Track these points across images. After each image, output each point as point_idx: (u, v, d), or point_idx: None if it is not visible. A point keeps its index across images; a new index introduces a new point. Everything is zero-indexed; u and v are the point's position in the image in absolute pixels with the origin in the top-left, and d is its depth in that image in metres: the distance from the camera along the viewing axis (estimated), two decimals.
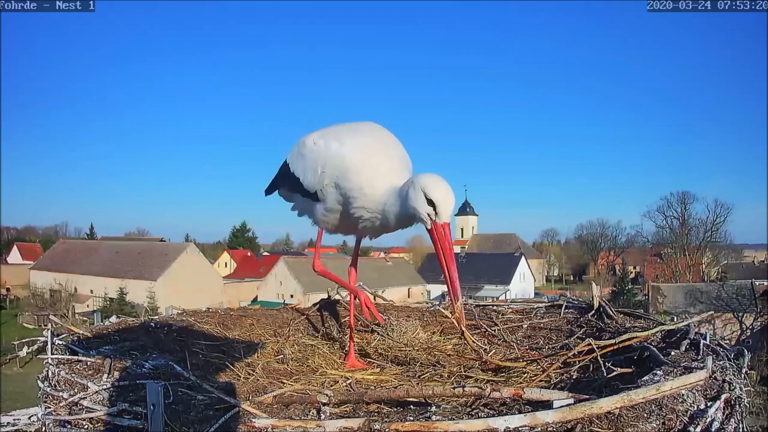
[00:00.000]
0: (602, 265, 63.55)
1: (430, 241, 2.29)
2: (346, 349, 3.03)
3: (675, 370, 1.98)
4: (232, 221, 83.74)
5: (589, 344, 2.47)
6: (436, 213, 2.23)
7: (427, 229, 2.27)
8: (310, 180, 2.66)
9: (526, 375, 2.47)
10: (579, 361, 2.45)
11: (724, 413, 1.76)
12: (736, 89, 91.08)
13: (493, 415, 1.67)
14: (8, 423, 3.25)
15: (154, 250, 45.44)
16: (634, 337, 2.50)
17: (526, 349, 2.89)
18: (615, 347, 2.48)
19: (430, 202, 2.21)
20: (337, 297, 3.73)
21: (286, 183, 2.90)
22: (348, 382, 2.56)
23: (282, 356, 2.89)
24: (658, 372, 1.96)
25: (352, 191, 2.48)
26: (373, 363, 2.95)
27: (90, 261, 44.47)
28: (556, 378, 2.38)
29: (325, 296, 3.79)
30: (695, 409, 1.71)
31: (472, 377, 2.54)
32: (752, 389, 2.09)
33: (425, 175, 2.27)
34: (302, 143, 2.76)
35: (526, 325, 3.21)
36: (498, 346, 2.99)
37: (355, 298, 2.98)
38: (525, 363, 2.60)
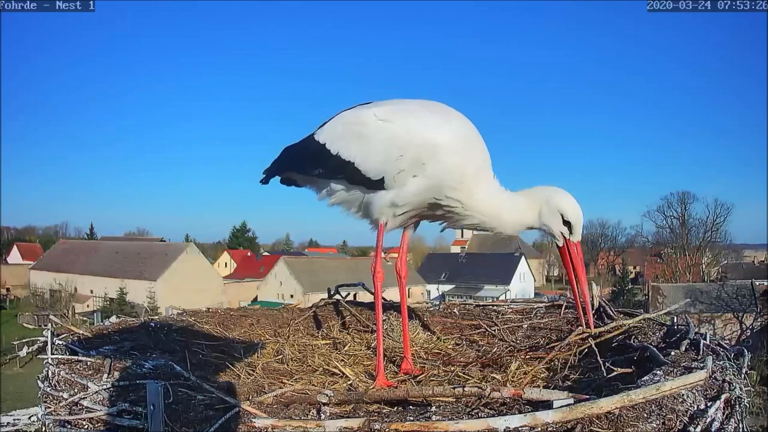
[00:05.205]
0: (602, 265, 63.54)
1: (560, 257, 2.39)
2: (348, 350, 3.03)
3: (675, 370, 1.97)
4: (232, 221, 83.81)
5: (583, 332, 2.59)
6: (570, 232, 2.30)
7: (558, 246, 2.35)
8: (374, 165, 2.32)
9: (526, 375, 2.47)
10: (579, 361, 2.46)
11: (724, 413, 1.75)
12: (736, 89, 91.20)
13: (493, 415, 1.67)
14: (8, 423, 3.25)
15: (154, 250, 45.48)
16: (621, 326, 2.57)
17: (527, 350, 2.89)
18: (610, 336, 2.49)
19: (566, 223, 2.28)
20: (337, 297, 3.72)
21: (317, 167, 2.51)
22: (348, 382, 2.56)
23: (282, 356, 2.89)
24: (658, 372, 1.95)
25: (456, 191, 2.27)
26: (373, 363, 2.94)
27: (90, 261, 44.51)
28: (556, 378, 2.38)
29: (325, 296, 3.79)
30: (695, 409, 1.71)
31: (472, 377, 2.54)
32: (752, 389, 2.09)
33: (560, 195, 2.29)
34: (358, 120, 2.39)
35: (526, 325, 3.21)
36: (498, 347, 2.99)
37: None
38: (525, 363, 2.60)
